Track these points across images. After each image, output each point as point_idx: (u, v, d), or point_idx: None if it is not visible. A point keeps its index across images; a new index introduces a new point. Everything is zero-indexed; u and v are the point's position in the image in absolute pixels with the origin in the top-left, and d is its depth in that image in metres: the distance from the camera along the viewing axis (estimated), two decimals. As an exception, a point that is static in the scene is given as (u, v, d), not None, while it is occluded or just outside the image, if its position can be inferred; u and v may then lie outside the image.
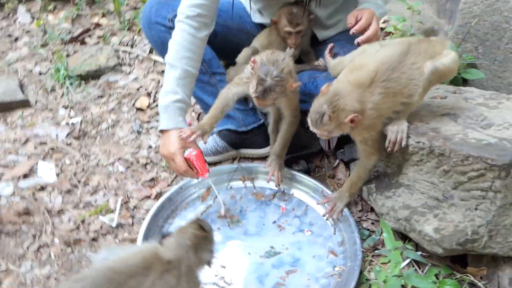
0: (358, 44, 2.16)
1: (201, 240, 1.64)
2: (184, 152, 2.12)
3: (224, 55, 2.73)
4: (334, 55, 2.29)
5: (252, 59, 2.05)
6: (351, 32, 2.18)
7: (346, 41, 2.38)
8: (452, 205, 1.80)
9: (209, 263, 1.68)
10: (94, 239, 2.24)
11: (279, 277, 2.05)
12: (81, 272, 2.04)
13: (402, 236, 2.08)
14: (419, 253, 1.98)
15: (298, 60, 2.59)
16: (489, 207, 1.70)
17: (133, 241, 2.22)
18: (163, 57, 2.53)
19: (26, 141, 2.81)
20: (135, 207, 2.42)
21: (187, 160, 2.11)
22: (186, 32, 2.21)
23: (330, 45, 2.29)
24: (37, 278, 2.10)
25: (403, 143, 1.89)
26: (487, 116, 1.98)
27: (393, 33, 3.42)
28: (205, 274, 2.03)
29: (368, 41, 2.14)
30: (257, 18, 2.62)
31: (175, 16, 2.27)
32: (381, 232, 2.11)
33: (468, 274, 1.86)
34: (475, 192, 1.73)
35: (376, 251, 2.09)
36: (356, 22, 2.19)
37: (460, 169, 1.74)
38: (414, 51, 1.88)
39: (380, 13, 2.28)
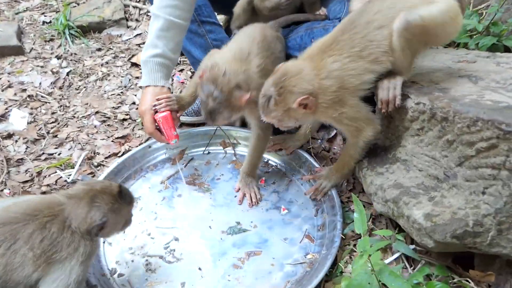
0: None
1: (105, 198, 1.32)
2: (155, 112, 1.84)
3: (222, 6, 2.40)
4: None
5: (201, 72, 1.71)
6: None
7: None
8: (454, 186, 1.37)
9: (92, 229, 1.31)
10: (44, 193, 2.00)
11: (237, 258, 1.70)
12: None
13: (397, 225, 1.66)
14: (412, 247, 1.57)
15: (302, 11, 2.21)
16: (500, 191, 1.25)
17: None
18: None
19: (8, 87, 2.63)
20: (99, 164, 2.15)
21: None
22: None
23: None
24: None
25: (397, 101, 1.48)
26: (519, 79, 1.52)
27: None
28: (153, 245, 1.75)
29: None
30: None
31: None
32: (370, 216, 1.70)
33: (469, 279, 1.42)
34: (484, 170, 1.28)
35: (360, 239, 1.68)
36: None
37: (466, 138, 1.31)
38: (371, 8, 1.51)
39: None
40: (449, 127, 1.36)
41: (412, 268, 1.55)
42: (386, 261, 1.58)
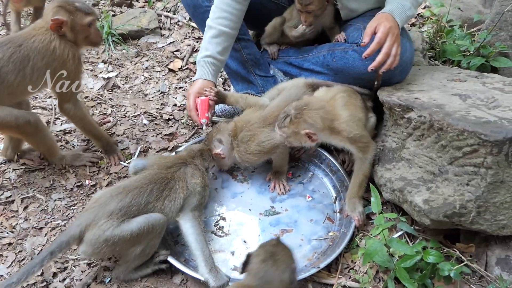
0: (372, 71, 2.06)
1: (205, 155, 2.23)
2: (199, 97, 2.34)
3: (254, 23, 2.82)
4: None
5: None
6: (363, 55, 2.06)
7: (370, 17, 2.39)
8: (446, 179, 1.82)
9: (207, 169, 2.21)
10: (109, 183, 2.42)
11: (274, 234, 2.14)
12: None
13: (400, 210, 2.11)
14: (412, 227, 2.01)
15: (324, 36, 2.63)
16: (479, 183, 1.71)
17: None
18: (195, 21, 2.69)
19: (65, 88, 3.03)
20: (152, 156, 2.58)
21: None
22: None
23: None
24: (57, 207, 2.31)
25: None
26: (498, 99, 1.97)
27: (429, 18, 3.37)
28: (206, 223, 2.18)
29: (380, 65, 2.04)
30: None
31: None
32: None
33: (455, 249, 1.88)
34: (468, 168, 1.74)
35: (370, 221, 2.13)
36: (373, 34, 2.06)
37: (456, 144, 1.76)
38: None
39: (404, 17, 2.14)
40: (443, 135, 1.80)
41: (412, 243, 1.99)
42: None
